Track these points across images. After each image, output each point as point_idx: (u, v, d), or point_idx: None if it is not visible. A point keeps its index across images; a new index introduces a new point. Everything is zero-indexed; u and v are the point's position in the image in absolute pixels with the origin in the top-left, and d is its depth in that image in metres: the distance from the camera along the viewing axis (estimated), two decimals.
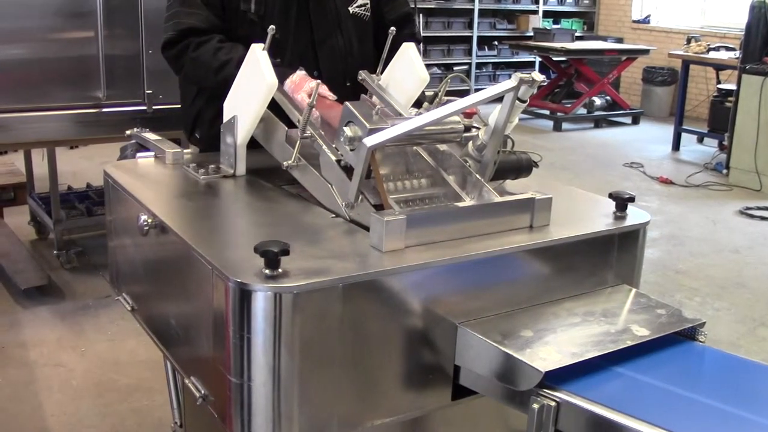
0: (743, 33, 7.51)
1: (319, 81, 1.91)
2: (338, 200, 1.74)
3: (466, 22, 11.02)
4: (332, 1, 2.31)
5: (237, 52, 2.10)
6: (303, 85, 1.99)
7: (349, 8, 2.35)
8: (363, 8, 2.37)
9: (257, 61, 1.87)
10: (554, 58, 10.21)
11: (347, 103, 1.74)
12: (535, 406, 1.42)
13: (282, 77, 2.00)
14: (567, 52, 9.64)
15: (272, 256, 1.37)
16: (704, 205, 6.50)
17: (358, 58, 2.33)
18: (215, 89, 2.14)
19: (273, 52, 2.11)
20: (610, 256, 1.80)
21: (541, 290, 1.70)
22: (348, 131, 1.68)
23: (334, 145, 1.76)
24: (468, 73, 10.88)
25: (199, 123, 2.35)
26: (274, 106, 1.96)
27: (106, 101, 4.00)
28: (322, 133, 1.83)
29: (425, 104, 2.03)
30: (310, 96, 1.82)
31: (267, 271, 1.38)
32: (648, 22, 11.44)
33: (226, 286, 1.41)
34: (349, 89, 2.22)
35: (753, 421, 1.38)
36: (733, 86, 7.78)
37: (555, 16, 11.98)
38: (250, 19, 2.20)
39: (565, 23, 11.94)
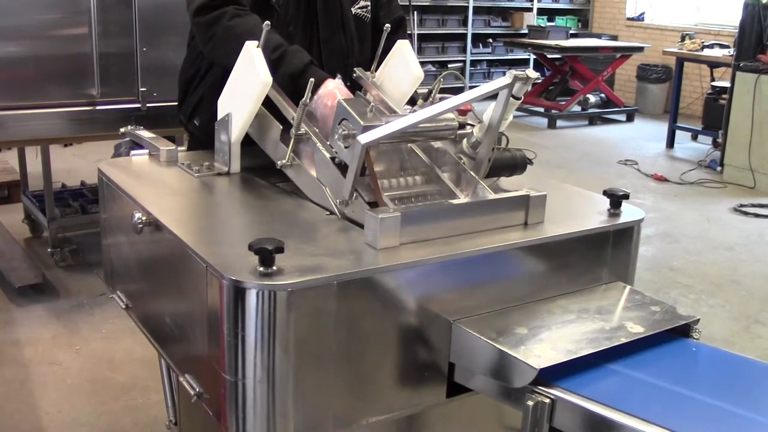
0: (737, 30, 7.53)
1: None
2: (331, 200, 1.74)
3: (460, 20, 11.03)
4: (337, 1, 2.31)
5: (275, 40, 2.00)
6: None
7: (352, 9, 2.35)
8: (364, 9, 2.38)
9: (251, 58, 1.87)
10: (549, 56, 10.23)
11: (341, 100, 1.74)
12: (530, 403, 1.42)
13: (317, 78, 1.90)
14: (561, 49, 9.66)
15: (267, 254, 1.37)
16: (698, 203, 6.51)
17: (358, 57, 2.33)
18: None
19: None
20: (605, 253, 1.80)
21: (536, 287, 1.70)
22: (342, 128, 1.68)
23: (328, 143, 1.76)
24: (462, 70, 10.89)
25: (199, 109, 2.33)
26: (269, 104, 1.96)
27: (100, 99, 3.99)
28: (317, 130, 1.83)
29: (419, 101, 2.03)
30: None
31: (261, 269, 1.38)
32: (642, 20, 11.46)
33: (220, 283, 1.40)
34: (349, 89, 2.22)
35: (747, 417, 1.39)
36: (727, 83, 7.81)
37: (549, 13, 12.00)
38: (271, 6, 2.18)
39: (559, 21, 11.96)
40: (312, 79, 1.81)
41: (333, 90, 1.93)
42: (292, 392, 1.42)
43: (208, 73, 2.28)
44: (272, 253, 1.37)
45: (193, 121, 2.35)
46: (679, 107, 8.77)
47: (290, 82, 1.96)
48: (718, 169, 7.40)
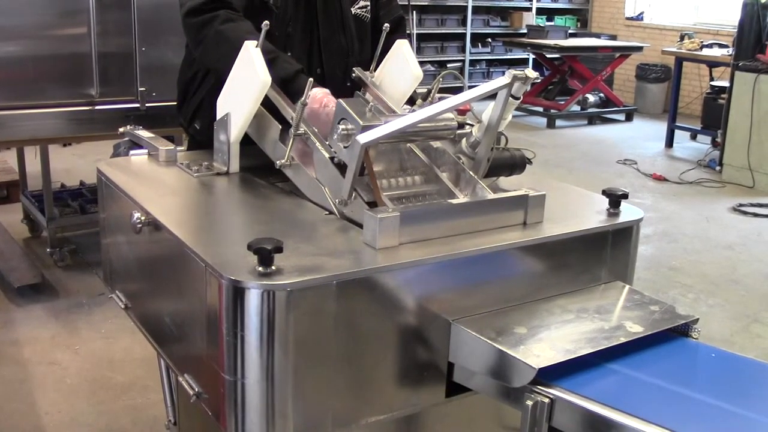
0: (736, 30, 7.53)
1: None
2: (330, 200, 1.74)
3: (459, 19, 11.02)
4: (337, 1, 2.31)
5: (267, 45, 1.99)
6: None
7: (352, 9, 2.35)
8: (364, 10, 2.38)
9: (251, 58, 1.87)
10: (548, 55, 10.23)
11: (340, 100, 1.74)
12: (529, 402, 1.42)
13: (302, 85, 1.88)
14: (560, 49, 9.66)
15: (266, 254, 1.37)
16: (698, 202, 6.51)
17: (358, 58, 2.33)
18: (224, 75, 2.00)
19: (283, 47, 2.10)
20: (604, 252, 1.80)
21: (535, 287, 1.70)
22: (341, 128, 1.68)
23: (327, 143, 1.76)
24: (461, 70, 10.88)
25: (199, 113, 2.33)
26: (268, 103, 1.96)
27: (99, 99, 3.99)
28: (315, 130, 1.82)
29: (418, 101, 2.03)
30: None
31: (260, 269, 1.38)
32: (641, 19, 11.46)
33: (219, 283, 1.40)
34: (348, 89, 2.22)
35: (746, 417, 1.39)
36: (726, 83, 7.81)
37: (548, 13, 12.00)
38: (269, 8, 2.18)
39: (558, 20, 11.96)
40: (311, 79, 1.81)
41: (319, 96, 1.94)
42: (291, 392, 1.42)
43: (208, 76, 2.27)
44: (271, 253, 1.37)
45: (194, 124, 2.36)
46: (678, 107, 8.77)
47: (281, 85, 1.97)
48: (717, 168, 7.40)
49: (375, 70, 2.19)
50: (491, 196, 1.71)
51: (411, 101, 2.12)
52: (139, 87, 4.06)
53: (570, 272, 1.76)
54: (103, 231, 2.14)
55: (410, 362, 1.55)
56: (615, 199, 1.86)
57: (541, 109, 9.86)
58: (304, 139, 1.82)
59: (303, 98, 1.79)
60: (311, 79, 1.81)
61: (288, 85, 1.98)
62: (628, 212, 1.87)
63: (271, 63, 1.93)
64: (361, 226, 1.60)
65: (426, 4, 10.54)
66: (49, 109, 3.90)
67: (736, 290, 4.68)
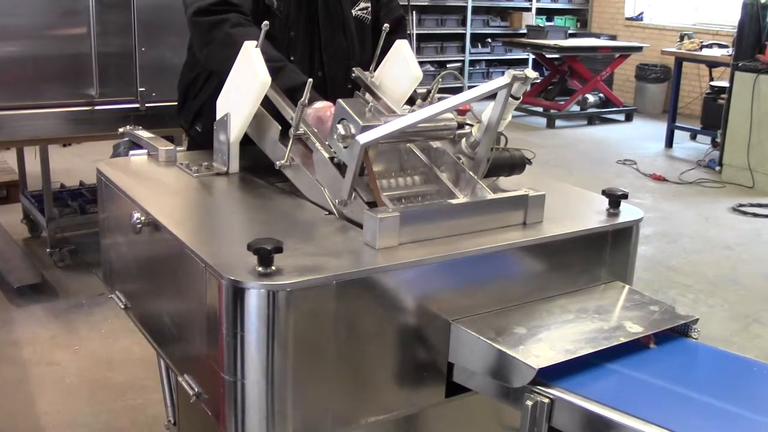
0: (736, 30, 7.54)
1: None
2: (330, 200, 1.74)
3: (459, 20, 11.02)
4: (338, 3, 2.31)
5: (274, 53, 2.01)
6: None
7: (353, 11, 2.35)
8: (365, 11, 2.38)
9: (250, 58, 1.86)
10: (547, 56, 10.24)
11: (340, 100, 1.73)
12: (529, 403, 1.42)
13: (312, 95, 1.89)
14: (560, 49, 9.67)
15: (265, 254, 1.37)
16: (697, 202, 6.51)
17: (358, 59, 2.33)
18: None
19: (285, 50, 2.09)
20: (604, 253, 1.80)
21: (535, 287, 1.70)
22: (341, 128, 1.68)
23: (327, 143, 1.76)
24: (461, 70, 10.88)
25: (201, 116, 2.32)
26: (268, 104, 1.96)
27: (98, 99, 3.99)
28: (315, 130, 1.82)
29: (418, 101, 2.02)
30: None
31: (260, 269, 1.38)
32: (641, 20, 11.47)
33: (219, 283, 1.40)
34: (349, 91, 2.22)
35: (746, 417, 1.39)
36: (725, 83, 7.82)
37: (548, 13, 12.00)
38: (273, 13, 2.17)
39: (558, 20, 11.97)
40: (310, 80, 1.81)
41: (325, 106, 1.94)
42: (291, 392, 1.42)
43: (210, 79, 2.26)
44: (271, 253, 1.37)
45: (195, 127, 2.36)
46: (677, 107, 8.77)
47: (288, 95, 1.96)
48: (717, 168, 7.40)
49: (375, 71, 2.19)
50: (491, 196, 1.71)
51: (411, 101, 2.12)
52: (139, 87, 4.06)
53: (570, 272, 1.76)
54: (102, 231, 2.14)
55: (410, 362, 1.55)
56: (615, 199, 1.86)
57: (540, 109, 9.87)
58: (303, 139, 1.82)
59: (303, 99, 1.79)
60: (310, 80, 1.81)
61: (295, 94, 1.97)
62: (627, 212, 1.87)
63: (278, 72, 1.93)
64: (361, 226, 1.59)
65: (426, 4, 10.54)
66: (49, 109, 3.90)
67: (735, 290, 4.69)
